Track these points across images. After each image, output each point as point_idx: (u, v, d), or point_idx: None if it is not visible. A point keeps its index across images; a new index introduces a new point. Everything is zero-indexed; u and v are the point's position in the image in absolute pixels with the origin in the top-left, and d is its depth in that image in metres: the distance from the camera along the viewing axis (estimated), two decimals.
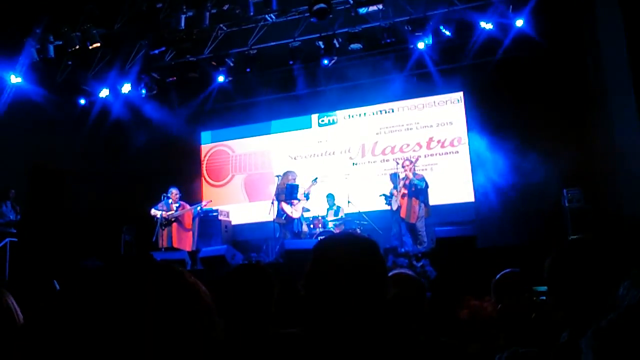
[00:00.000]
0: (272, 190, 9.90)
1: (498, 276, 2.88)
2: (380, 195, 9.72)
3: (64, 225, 10.51)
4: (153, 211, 9.82)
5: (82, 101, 11.68)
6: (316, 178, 9.91)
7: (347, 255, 1.60)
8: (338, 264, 1.58)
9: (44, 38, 10.01)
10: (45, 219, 10.49)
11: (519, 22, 9.36)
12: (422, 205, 9.13)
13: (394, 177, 9.62)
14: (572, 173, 9.18)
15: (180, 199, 10.08)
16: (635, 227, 7.61)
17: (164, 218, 9.75)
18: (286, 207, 9.56)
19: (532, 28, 9.37)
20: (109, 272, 0.93)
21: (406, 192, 9.20)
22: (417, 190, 9.11)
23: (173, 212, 9.81)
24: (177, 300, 0.91)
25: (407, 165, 9.30)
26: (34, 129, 10.67)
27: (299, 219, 9.64)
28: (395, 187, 9.44)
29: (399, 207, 9.23)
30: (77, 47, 9.88)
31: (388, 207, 9.57)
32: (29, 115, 10.60)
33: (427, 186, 9.23)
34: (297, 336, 1.62)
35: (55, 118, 11.05)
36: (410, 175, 9.18)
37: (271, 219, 9.67)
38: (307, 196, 9.74)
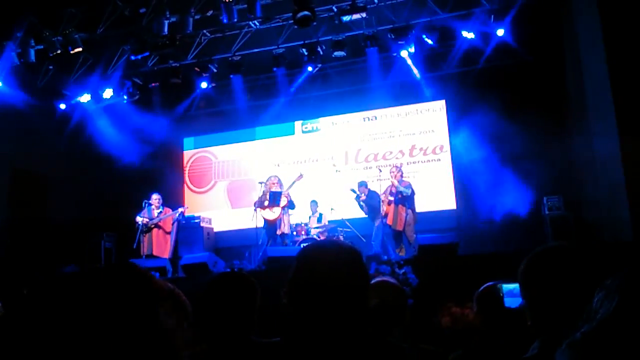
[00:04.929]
0: (255, 197, 9.78)
1: (481, 289, 2.86)
2: (351, 190, 9.82)
3: (44, 231, 10.36)
4: (137, 218, 9.70)
5: (63, 106, 11.54)
6: (301, 174, 9.76)
7: (330, 263, 1.60)
8: (320, 272, 1.59)
9: (25, 42, 9.89)
10: (24, 225, 10.33)
11: (500, 32, 9.46)
12: (409, 211, 9.16)
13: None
14: (552, 181, 9.30)
15: (163, 204, 9.97)
16: (613, 235, 7.71)
17: (144, 225, 9.64)
18: (267, 214, 9.46)
19: (513, 37, 9.50)
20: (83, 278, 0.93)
21: (392, 199, 9.23)
22: (404, 197, 9.14)
23: (154, 218, 9.71)
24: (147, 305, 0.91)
25: (393, 172, 9.36)
26: (13, 133, 10.52)
27: (281, 219, 9.47)
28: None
29: (386, 214, 9.26)
30: (59, 51, 9.78)
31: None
32: (9, 119, 10.45)
33: (413, 193, 9.25)
34: (279, 345, 1.61)
35: (35, 123, 10.90)
36: (396, 182, 9.21)
37: (254, 226, 9.60)
38: (291, 205, 9.60)
